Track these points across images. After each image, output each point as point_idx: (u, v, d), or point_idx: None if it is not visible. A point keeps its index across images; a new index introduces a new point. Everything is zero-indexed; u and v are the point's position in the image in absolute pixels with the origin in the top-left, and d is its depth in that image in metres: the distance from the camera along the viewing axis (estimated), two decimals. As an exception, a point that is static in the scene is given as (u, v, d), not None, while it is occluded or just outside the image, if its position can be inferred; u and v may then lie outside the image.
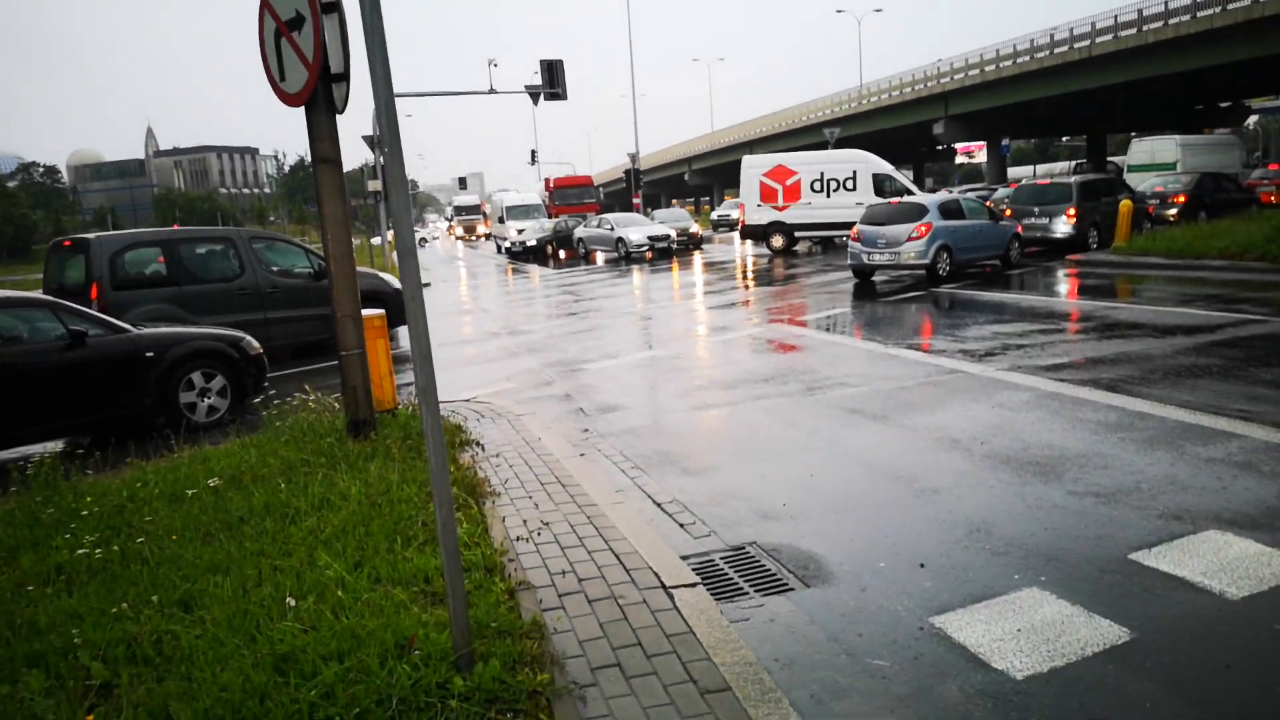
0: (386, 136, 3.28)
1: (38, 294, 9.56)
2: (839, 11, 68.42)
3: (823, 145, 41.32)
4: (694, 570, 4.76)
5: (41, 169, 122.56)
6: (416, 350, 3.40)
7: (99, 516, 5.51)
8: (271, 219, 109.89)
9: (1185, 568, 4.35)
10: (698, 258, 30.30)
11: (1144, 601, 4.08)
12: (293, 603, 4.09)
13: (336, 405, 7.67)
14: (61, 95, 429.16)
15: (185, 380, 9.18)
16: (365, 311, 7.24)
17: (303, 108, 6.78)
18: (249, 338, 9.88)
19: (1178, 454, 6.01)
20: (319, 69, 6.43)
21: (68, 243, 12.80)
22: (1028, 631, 3.89)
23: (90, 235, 12.56)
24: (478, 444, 7.21)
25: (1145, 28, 36.37)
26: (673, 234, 32.33)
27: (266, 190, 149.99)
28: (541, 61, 29.37)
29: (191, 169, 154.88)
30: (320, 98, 6.72)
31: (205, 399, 9.32)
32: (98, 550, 4.91)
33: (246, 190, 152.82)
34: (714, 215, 53.35)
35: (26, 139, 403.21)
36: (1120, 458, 6.03)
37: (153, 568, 4.70)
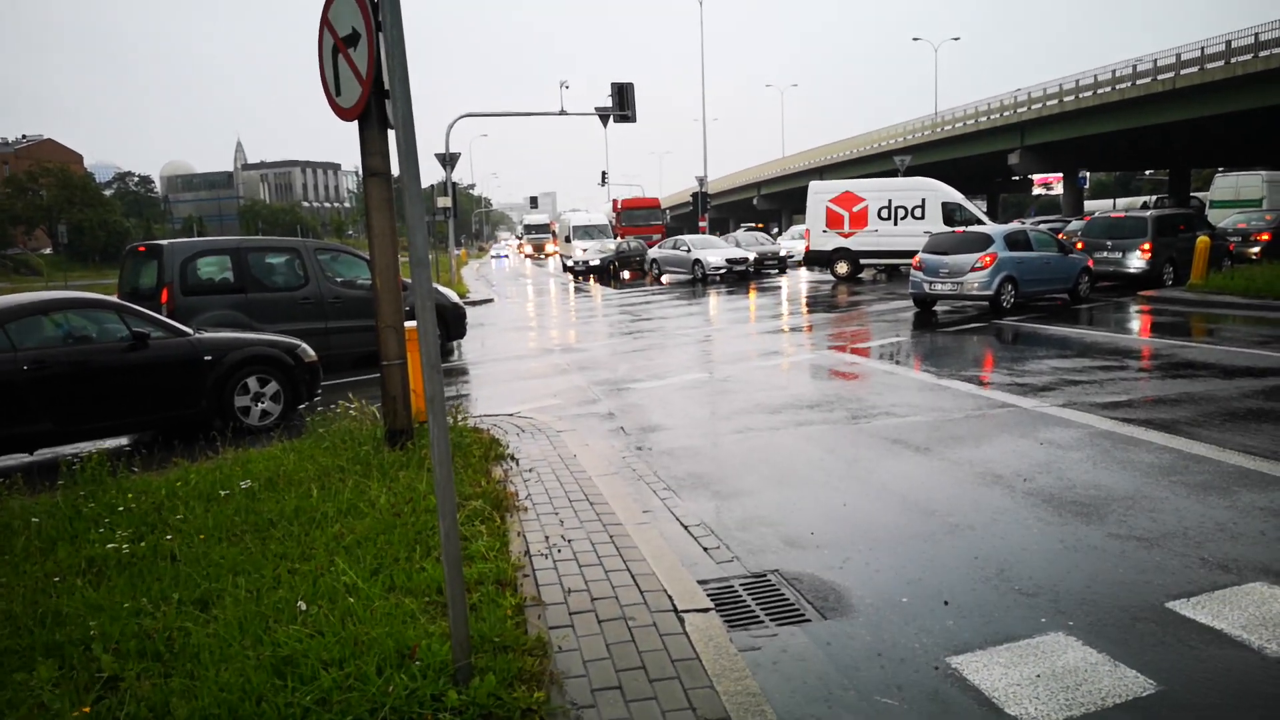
0: (403, 147, 3.32)
1: (103, 295, 9.92)
2: (915, 39, 67.94)
3: (893, 173, 40.85)
4: (710, 595, 4.68)
5: (136, 178, 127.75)
6: (426, 360, 3.42)
7: (136, 513, 5.66)
8: (349, 232, 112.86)
9: (1224, 620, 4.12)
10: (782, 281, 30.09)
11: (1175, 653, 3.87)
12: (303, 606, 4.13)
13: (379, 414, 7.78)
14: (158, 108, 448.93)
15: (241, 384, 9.42)
16: (408, 323, 7.34)
17: (356, 122, 6.94)
18: (305, 345, 10.10)
19: (1230, 501, 5.72)
20: (371, 84, 6.57)
21: (142, 248, 13.28)
22: (1047, 678, 3.72)
23: (163, 241, 13.01)
24: (512, 458, 7.23)
25: (1233, 60, 35.18)
26: (751, 257, 32.20)
27: (347, 205, 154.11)
28: (612, 84, 29.66)
29: (277, 182, 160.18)
30: (373, 112, 6.87)
31: (259, 403, 9.54)
32: (129, 546, 5.04)
33: (328, 204, 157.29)
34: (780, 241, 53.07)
35: (124, 149, 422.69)
36: (1169, 501, 5.77)
37: (178, 565, 4.81)
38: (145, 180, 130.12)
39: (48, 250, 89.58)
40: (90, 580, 4.70)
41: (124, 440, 9.42)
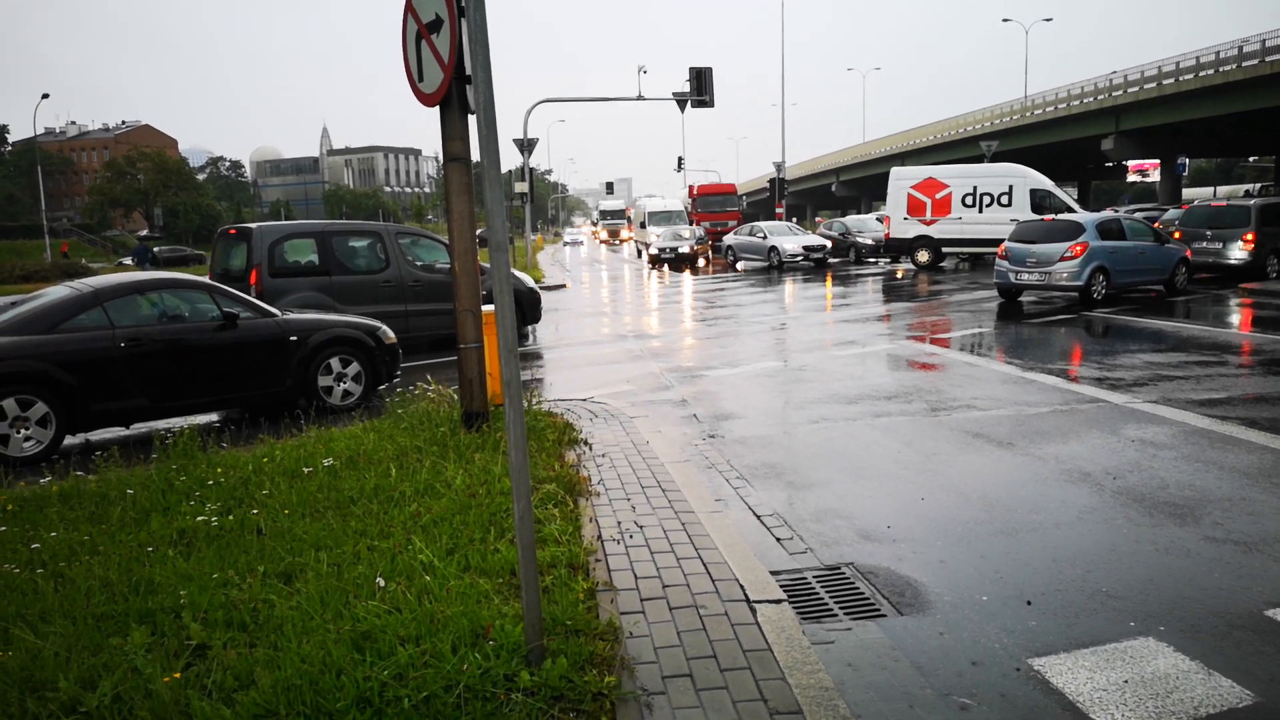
0: (484, 132, 3.33)
1: (196, 277, 10.28)
2: (1005, 20, 65.77)
3: (979, 159, 39.76)
4: (783, 587, 4.63)
5: (227, 163, 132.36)
6: (502, 344, 3.44)
7: (225, 487, 5.86)
8: (429, 217, 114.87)
9: (1330, 631, 3.91)
10: (861, 270, 29.68)
11: (1275, 663, 3.68)
12: (382, 583, 4.22)
13: (456, 396, 7.90)
14: (249, 95, 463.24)
15: (324, 364, 9.65)
16: (485, 307, 7.42)
17: (437, 108, 7.02)
18: (385, 327, 10.30)
19: (1339, 505, 5.42)
20: (453, 70, 6.63)
21: (233, 231, 13.73)
22: (1135, 684, 3.58)
23: (252, 225, 13.41)
24: (585, 443, 7.27)
25: (1351, 39, 33.26)
26: (828, 244, 31.92)
27: (427, 189, 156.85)
28: (690, 69, 29.46)
29: (360, 167, 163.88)
30: (454, 98, 6.93)
31: (341, 383, 9.77)
32: (218, 518, 5.22)
33: (409, 189, 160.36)
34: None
35: (216, 134, 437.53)
36: (1270, 504, 5.50)
37: (264, 539, 4.95)
38: (236, 165, 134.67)
39: (144, 232, 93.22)
40: (181, 551, 4.88)
41: (214, 417, 9.76)
